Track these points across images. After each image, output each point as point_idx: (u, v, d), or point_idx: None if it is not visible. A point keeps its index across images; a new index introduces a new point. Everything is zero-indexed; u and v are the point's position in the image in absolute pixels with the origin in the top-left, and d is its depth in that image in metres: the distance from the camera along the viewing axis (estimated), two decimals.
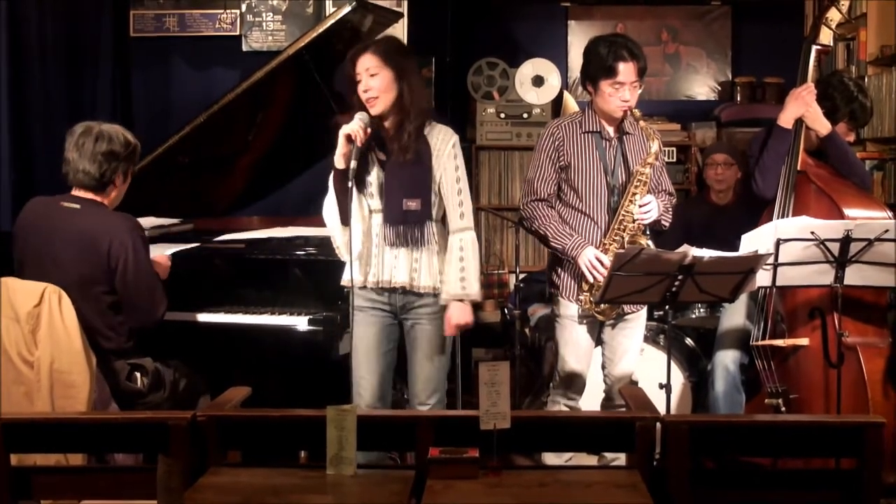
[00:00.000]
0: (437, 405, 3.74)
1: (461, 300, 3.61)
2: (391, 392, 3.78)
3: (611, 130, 3.87)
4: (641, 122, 3.80)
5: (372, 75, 3.54)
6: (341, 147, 3.51)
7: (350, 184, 3.47)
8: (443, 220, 3.69)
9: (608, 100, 3.78)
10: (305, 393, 4.13)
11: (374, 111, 3.55)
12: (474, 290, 3.62)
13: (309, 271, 4.10)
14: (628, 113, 3.80)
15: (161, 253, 3.96)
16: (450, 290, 3.61)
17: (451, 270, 3.61)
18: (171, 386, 3.79)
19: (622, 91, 3.76)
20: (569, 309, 3.90)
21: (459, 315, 3.62)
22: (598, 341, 3.98)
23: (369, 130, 3.53)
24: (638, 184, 3.78)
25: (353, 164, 3.47)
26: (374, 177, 3.62)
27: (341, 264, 3.79)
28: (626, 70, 3.74)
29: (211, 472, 2.76)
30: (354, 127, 3.49)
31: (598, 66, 3.77)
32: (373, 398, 3.68)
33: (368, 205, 3.63)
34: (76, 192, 3.69)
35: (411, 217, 3.59)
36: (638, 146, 3.88)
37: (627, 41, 3.79)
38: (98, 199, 3.68)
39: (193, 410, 2.89)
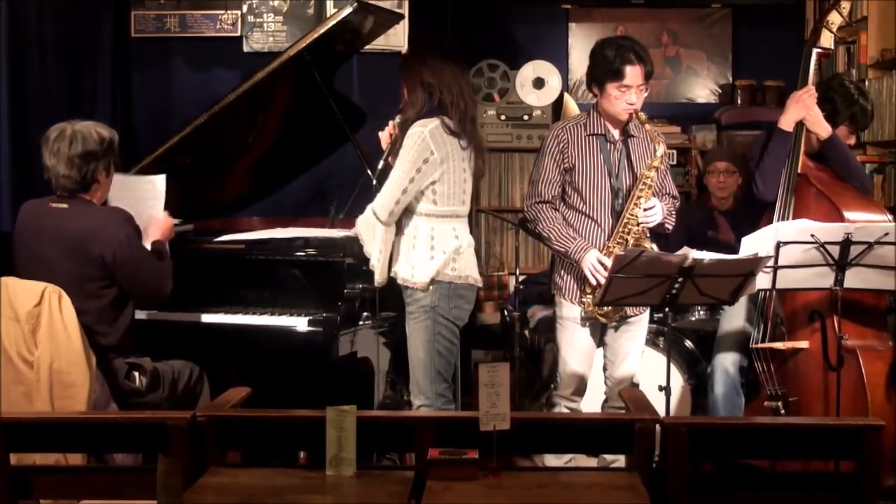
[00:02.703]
0: (421, 409, 3.77)
1: None
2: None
3: (616, 133, 3.87)
4: (647, 126, 3.80)
5: None
6: None
7: (374, 182, 3.92)
8: (418, 210, 3.77)
9: (614, 102, 3.78)
10: (305, 393, 4.13)
11: None
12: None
13: (309, 272, 4.10)
14: (634, 116, 3.80)
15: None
16: None
17: None
18: (170, 386, 3.79)
19: (628, 94, 3.76)
20: (571, 311, 3.90)
21: None
22: (600, 343, 3.98)
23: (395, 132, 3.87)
24: (643, 187, 3.77)
25: (380, 163, 3.88)
26: None
27: (341, 265, 3.82)
28: (632, 73, 3.74)
29: (210, 473, 2.77)
30: (384, 130, 3.92)
31: (604, 69, 3.77)
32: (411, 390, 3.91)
33: None
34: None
35: None
36: (642, 149, 3.88)
37: (634, 44, 3.79)
38: (86, 197, 3.68)
39: (193, 410, 2.90)
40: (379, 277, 3.81)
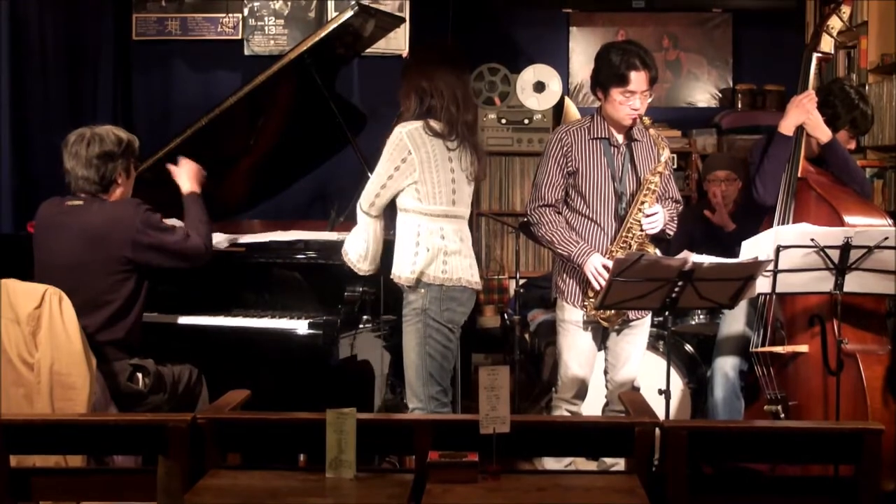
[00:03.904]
0: (415, 411, 3.76)
1: None
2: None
3: (619, 137, 3.87)
4: (652, 130, 3.80)
5: None
6: None
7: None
8: (406, 207, 3.76)
9: (618, 107, 3.78)
10: (305, 396, 4.13)
11: None
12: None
13: (309, 275, 4.11)
14: (638, 120, 3.80)
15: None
16: None
17: None
18: (171, 388, 3.79)
19: (633, 100, 3.75)
20: (573, 314, 3.90)
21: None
22: (601, 347, 3.98)
23: None
24: (647, 192, 3.78)
25: None
26: None
27: (341, 268, 3.83)
28: (637, 79, 3.74)
29: (210, 475, 2.77)
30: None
31: (609, 74, 3.77)
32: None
33: None
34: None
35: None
36: (646, 153, 3.88)
37: (640, 49, 3.78)
38: (104, 196, 3.71)
39: (193, 413, 2.90)
40: (366, 266, 3.83)
